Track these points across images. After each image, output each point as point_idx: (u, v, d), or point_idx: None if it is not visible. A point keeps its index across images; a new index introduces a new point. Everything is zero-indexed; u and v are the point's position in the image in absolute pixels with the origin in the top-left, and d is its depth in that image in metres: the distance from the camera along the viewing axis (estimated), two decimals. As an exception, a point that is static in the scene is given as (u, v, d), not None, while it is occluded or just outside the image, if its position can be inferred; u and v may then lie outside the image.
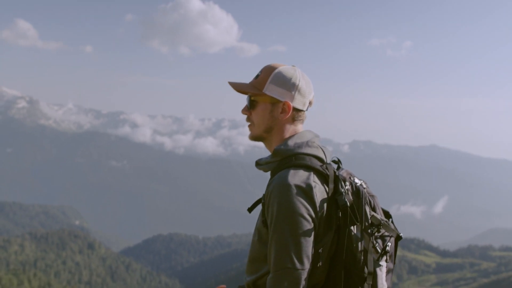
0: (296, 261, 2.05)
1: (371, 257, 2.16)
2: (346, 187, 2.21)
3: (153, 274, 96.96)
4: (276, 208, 2.09)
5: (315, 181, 2.15)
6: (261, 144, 2.32)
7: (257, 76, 2.34)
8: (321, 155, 2.28)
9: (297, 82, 2.27)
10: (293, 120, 2.32)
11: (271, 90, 2.27)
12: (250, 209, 2.44)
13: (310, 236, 2.09)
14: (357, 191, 2.23)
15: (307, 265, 2.07)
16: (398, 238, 2.28)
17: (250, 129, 2.38)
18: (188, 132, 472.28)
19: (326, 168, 2.23)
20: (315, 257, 2.14)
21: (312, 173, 2.17)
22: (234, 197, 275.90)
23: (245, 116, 2.38)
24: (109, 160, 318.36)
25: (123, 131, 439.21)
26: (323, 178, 2.20)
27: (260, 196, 2.32)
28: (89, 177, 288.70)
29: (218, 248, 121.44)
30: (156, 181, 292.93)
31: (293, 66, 2.35)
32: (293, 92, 2.26)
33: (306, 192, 2.10)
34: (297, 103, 2.28)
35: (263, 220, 2.19)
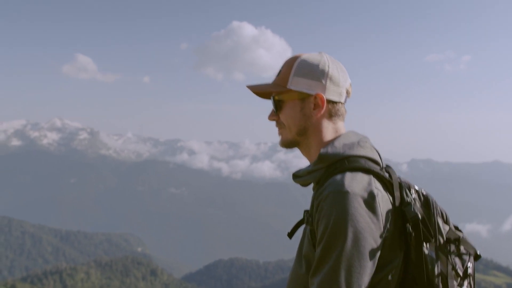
0: None
1: (452, 283, 1.70)
2: (413, 196, 1.77)
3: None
4: (333, 221, 1.63)
5: (377, 187, 1.71)
6: None
7: (279, 72, 1.93)
8: (377, 158, 1.84)
9: (326, 69, 1.85)
10: (331, 116, 1.88)
11: (296, 83, 1.86)
12: (290, 234, 1.97)
13: (370, 260, 1.63)
14: (426, 201, 1.79)
15: None
16: (476, 256, 1.81)
17: (281, 134, 1.96)
18: (245, 157, 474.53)
19: (388, 173, 1.80)
20: (384, 287, 1.69)
21: (372, 177, 1.74)
22: (293, 220, 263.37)
23: None
24: (169, 187, 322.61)
25: (181, 158, 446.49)
26: (385, 184, 1.76)
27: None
28: (150, 205, 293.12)
29: (279, 273, 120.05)
30: (215, 206, 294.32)
31: (320, 52, 1.93)
32: (323, 81, 1.84)
33: (369, 203, 1.66)
34: (331, 93, 1.85)
35: (314, 243, 1.74)
